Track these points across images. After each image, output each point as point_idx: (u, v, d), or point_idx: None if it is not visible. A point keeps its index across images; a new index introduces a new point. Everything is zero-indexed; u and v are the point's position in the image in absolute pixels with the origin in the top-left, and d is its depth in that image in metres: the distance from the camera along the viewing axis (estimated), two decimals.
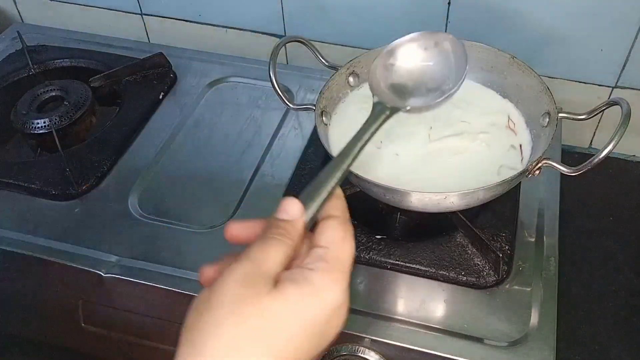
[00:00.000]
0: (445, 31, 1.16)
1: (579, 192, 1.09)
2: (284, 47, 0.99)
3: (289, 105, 0.94)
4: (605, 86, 1.13)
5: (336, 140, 0.94)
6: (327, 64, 1.01)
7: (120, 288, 0.92)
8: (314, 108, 0.94)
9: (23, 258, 0.95)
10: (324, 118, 0.95)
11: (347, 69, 1.00)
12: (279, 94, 0.93)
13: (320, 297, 0.48)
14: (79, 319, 0.97)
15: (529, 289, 0.87)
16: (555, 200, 0.99)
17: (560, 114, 0.89)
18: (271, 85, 0.93)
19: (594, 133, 1.19)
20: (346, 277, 0.50)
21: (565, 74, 1.14)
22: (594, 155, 0.78)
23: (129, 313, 0.94)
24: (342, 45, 1.15)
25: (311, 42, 1.00)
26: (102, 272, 0.91)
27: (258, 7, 1.26)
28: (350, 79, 1.01)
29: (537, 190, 1.00)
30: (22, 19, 1.48)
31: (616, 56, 1.09)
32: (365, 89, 1.02)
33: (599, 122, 1.17)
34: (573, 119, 0.91)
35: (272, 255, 0.49)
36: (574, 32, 1.09)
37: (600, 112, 0.87)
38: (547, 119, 0.91)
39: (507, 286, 0.87)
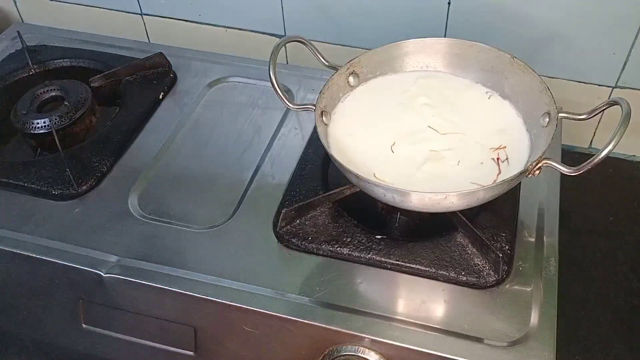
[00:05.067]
0: (445, 31, 1.16)
1: (579, 192, 1.09)
2: (283, 47, 0.98)
3: (289, 106, 0.94)
4: (605, 86, 1.13)
5: (336, 140, 0.94)
6: (327, 64, 1.00)
7: (121, 288, 0.91)
8: (314, 108, 0.93)
9: (23, 258, 0.95)
10: (323, 118, 0.95)
11: (347, 69, 0.99)
12: (278, 94, 0.93)
13: None
14: (79, 319, 0.97)
15: (529, 289, 0.86)
16: (555, 200, 0.98)
17: (561, 114, 0.89)
18: (271, 85, 0.93)
19: (594, 133, 1.19)
20: None
21: (566, 74, 1.14)
22: (594, 155, 0.78)
23: (130, 313, 0.94)
24: (342, 45, 1.16)
25: (311, 42, 1.00)
26: (102, 272, 0.90)
27: (258, 7, 1.26)
28: (351, 78, 1.01)
29: (537, 190, 1.00)
30: (22, 19, 1.48)
31: (616, 56, 1.09)
32: (364, 89, 1.02)
33: (598, 122, 1.17)
34: (573, 119, 0.90)
35: None
36: (574, 32, 1.09)
37: (600, 112, 0.87)
38: (547, 119, 0.90)
39: (507, 286, 0.87)
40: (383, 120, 0.98)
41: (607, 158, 0.77)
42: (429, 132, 0.96)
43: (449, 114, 0.98)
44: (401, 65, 1.04)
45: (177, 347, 0.94)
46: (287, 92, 1.18)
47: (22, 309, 1.01)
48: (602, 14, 1.05)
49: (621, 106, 0.81)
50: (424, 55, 1.03)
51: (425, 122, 0.97)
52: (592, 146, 1.21)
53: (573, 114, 0.90)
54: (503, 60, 0.98)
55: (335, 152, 0.90)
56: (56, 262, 0.93)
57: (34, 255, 0.94)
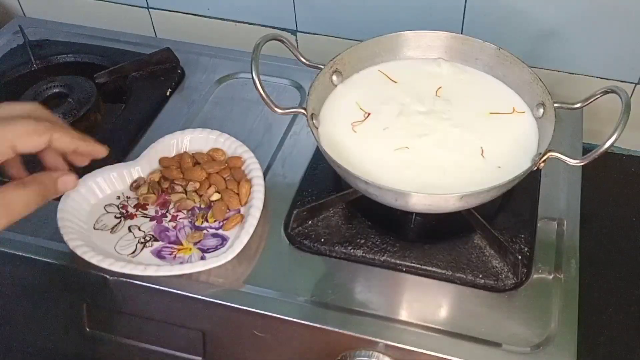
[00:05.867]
0: (462, 29, 1.14)
1: (601, 192, 1.08)
2: (287, 42, 0.97)
3: (276, 110, 0.89)
4: (628, 82, 1.12)
5: (328, 141, 0.92)
6: (307, 63, 0.98)
7: (127, 291, 0.90)
8: (304, 112, 0.91)
9: (24, 260, 0.93)
10: (314, 121, 0.93)
11: (330, 67, 0.98)
12: (264, 98, 0.88)
13: None
14: (83, 323, 0.96)
15: (549, 293, 0.85)
16: (576, 201, 0.96)
17: (556, 104, 0.89)
18: (255, 88, 0.88)
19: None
20: None
21: (586, 71, 1.14)
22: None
23: (136, 317, 0.93)
24: (356, 40, 1.14)
25: (324, 36, 0.98)
26: (108, 275, 0.89)
27: (269, 0, 1.24)
28: (334, 77, 0.99)
29: (557, 191, 0.98)
30: (24, 13, 1.46)
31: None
32: (347, 86, 1.00)
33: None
34: (568, 109, 0.90)
35: None
36: (595, 28, 1.08)
37: (595, 99, 0.87)
38: (542, 110, 0.91)
39: (526, 289, 0.86)
40: (375, 117, 0.96)
41: (631, 157, 0.76)
42: (426, 125, 0.94)
43: (443, 106, 0.97)
44: (384, 59, 1.03)
45: (184, 352, 0.93)
46: (299, 88, 1.16)
47: (24, 313, 1.00)
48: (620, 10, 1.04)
49: (620, 95, 0.80)
50: (406, 48, 1.03)
51: (422, 115, 0.96)
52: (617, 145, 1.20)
53: (567, 103, 0.90)
54: (489, 51, 0.98)
55: (332, 153, 0.87)
56: (59, 264, 0.91)
57: (36, 258, 0.92)
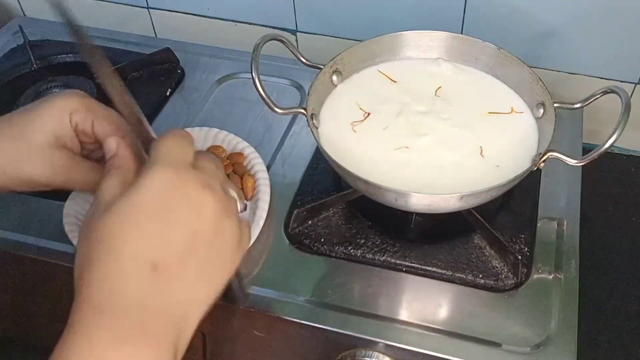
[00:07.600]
0: (462, 29, 1.14)
1: (600, 193, 1.08)
2: (287, 42, 0.97)
3: (275, 110, 0.89)
4: (628, 82, 1.11)
5: (327, 141, 0.92)
6: (307, 62, 0.98)
7: None
8: (304, 112, 0.90)
9: (25, 260, 0.93)
10: (314, 121, 0.93)
11: (330, 67, 0.97)
12: (264, 98, 0.88)
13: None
14: None
15: (548, 293, 0.85)
16: (576, 201, 0.96)
17: (555, 104, 0.89)
18: (255, 88, 0.88)
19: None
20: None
21: (586, 71, 1.13)
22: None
23: None
24: (356, 40, 1.14)
25: (325, 36, 0.98)
26: None
27: (269, 0, 1.24)
28: (334, 77, 0.99)
29: (558, 191, 0.98)
30: (23, 12, 1.46)
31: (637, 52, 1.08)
32: (347, 86, 1.00)
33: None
34: (568, 109, 0.90)
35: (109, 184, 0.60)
36: (594, 28, 1.07)
37: (594, 99, 0.87)
38: (542, 110, 0.91)
39: (526, 289, 0.85)
40: (375, 117, 0.96)
41: (631, 157, 0.76)
42: (425, 125, 0.94)
43: (443, 106, 0.97)
44: (384, 59, 1.03)
45: (185, 353, 0.92)
46: (299, 89, 1.16)
47: (24, 312, 0.99)
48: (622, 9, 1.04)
49: (620, 95, 0.80)
50: (406, 48, 1.03)
51: (421, 115, 0.95)
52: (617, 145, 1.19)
53: (567, 103, 0.90)
54: (489, 51, 0.98)
55: (333, 153, 0.87)
56: (59, 264, 0.91)
57: (36, 257, 0.92)
